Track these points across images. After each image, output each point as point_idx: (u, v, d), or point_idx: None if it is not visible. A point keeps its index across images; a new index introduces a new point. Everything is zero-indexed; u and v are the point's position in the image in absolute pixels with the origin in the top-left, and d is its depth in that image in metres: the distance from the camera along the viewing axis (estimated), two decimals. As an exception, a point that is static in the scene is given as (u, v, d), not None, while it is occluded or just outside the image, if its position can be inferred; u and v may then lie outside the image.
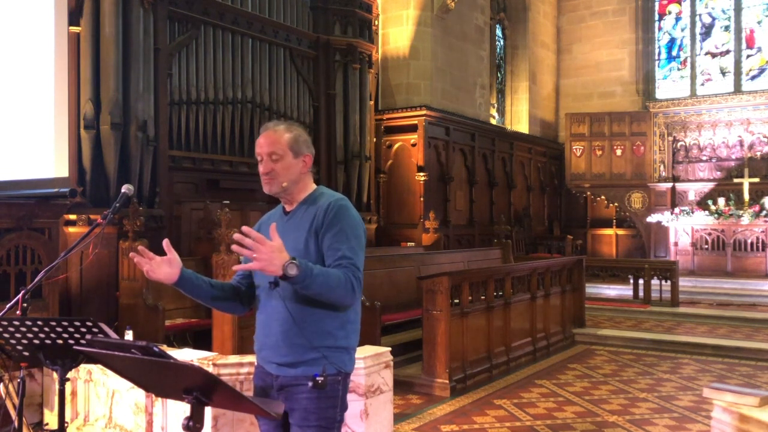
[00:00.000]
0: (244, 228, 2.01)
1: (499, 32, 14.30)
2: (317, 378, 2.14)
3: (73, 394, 4.22)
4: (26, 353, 2.41)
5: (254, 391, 2.32)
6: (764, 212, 11.84)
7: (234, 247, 1.98)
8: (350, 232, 2.20)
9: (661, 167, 13.64)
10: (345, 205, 2.25)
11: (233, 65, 8.16)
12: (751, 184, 12.37)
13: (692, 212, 12.54)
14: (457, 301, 6.00)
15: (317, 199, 2.29)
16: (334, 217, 2.20)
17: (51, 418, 4.40)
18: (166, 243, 2.27)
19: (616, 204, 14.08)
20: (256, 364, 2.35)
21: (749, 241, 11.95)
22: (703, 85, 14.34)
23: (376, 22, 10.79)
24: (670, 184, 13.55)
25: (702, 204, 12.83)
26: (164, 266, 2.23)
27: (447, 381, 5.74)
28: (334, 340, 2.20)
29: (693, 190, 13.40)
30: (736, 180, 12.68)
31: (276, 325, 2.21)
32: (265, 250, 1.96)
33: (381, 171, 10.89)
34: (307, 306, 2.17)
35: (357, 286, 2.13)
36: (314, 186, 2.37)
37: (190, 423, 1.81)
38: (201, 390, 1.80)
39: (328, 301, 2.13)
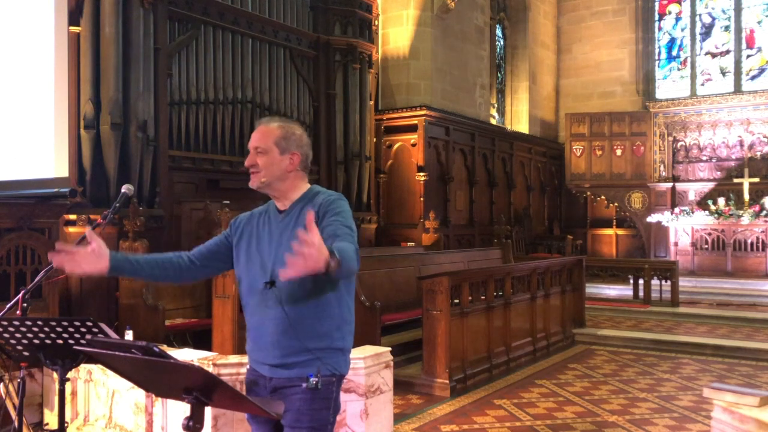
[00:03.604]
0: (299, 231, 1.76)
1: (499, 32, 14.29)
2: (311, 379, 2.11)
3: (73, 394, 4.22)
4: (26, 353, 2.41)
5: (245, 392, 2.29)
6: (764, 212, 11.83)
7: (294, 261, 1.70)
8: (346, 216, 2.16)
9: (661, 167, 13.64)
10: (342, 198, 2.25)
11: (233, 65, 8.16)
12: (751, 184, 12.37)
13: (692, 212, 12.54)
14: (457, 301, 6.00)
15: (314, 197, 2.26)
16: (330, 205, 2.18)
17: (51, 418, 4.40)
18: (88, 232, 2.11)
19: (616, 204, 14.08)
20: (248, 366, 2.32)
21: (749, 241, 11.94)
22: (703, 85, 14.33)
23: (376, 22, 10.79)
24: (670, 184, 13.55)
25: (702, 204, 12.82)
26: (90, 258, 2.08)
27: (447, 381, 5.74)
28: (330, 342, 2.17)
29: (693, 190, 13.40)
30: (736, 180, 12.67)
31: (271, 326, 2.17)
32: (314, 252, 1.74)
33: (381, 171, 10.89)
34: (304, 307, 2.14)
35: (358, 252, 2.06)
36: (308, 185, 2.33)
37: (190, 423, 1.81)
38: (201, 390, 1.80)
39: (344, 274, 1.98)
